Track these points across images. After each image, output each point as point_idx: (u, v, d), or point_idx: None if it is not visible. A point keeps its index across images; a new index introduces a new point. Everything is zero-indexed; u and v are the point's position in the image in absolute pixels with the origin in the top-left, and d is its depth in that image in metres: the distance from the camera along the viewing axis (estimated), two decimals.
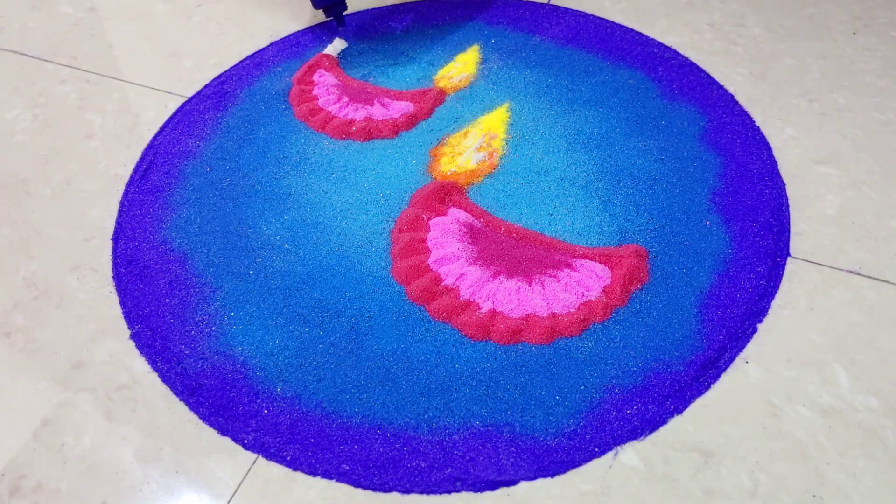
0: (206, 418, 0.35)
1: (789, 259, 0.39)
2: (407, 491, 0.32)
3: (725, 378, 0.35)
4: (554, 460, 0.32)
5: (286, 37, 0.60)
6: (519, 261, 0.40)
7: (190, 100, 0.55)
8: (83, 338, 0.40)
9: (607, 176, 0.45)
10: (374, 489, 0.32)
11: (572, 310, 0.38)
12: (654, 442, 0.33)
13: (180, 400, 0.36)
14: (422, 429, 0.34)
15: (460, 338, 0.37)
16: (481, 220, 0.43)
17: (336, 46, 0.57)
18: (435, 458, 0.33)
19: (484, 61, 0.55)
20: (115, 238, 0.45)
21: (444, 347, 0.37)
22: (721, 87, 0.50)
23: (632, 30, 0.54)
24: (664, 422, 0.33)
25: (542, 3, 0.60)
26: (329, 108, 0.52)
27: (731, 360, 0.35)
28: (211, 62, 0.58)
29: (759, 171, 0.44)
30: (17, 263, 0.44)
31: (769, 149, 0.46)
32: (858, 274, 0.38)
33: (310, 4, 0.63)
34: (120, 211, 0.47)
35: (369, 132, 0.49)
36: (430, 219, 0.43)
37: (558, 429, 0.33)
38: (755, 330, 0.36)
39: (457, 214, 0.43)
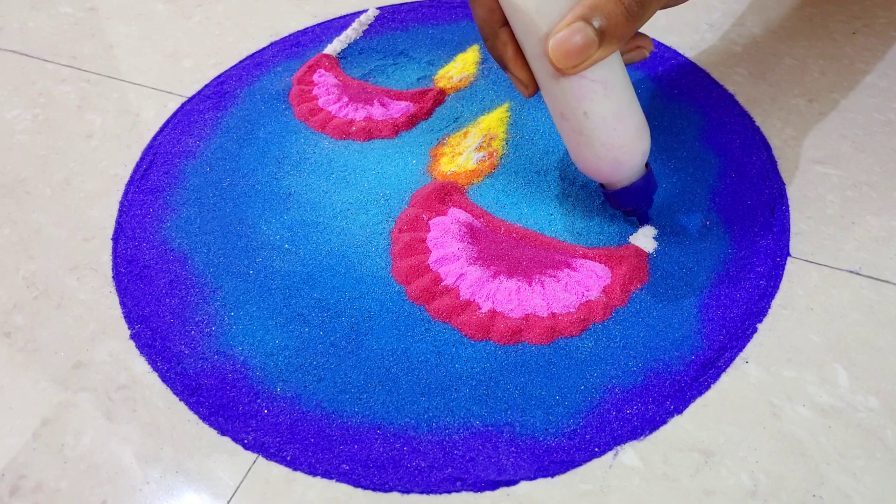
0: (206, 418, 0.35)
1: (789, 259, 0.39)
2: (407, 491, 0.32)
3: (725, 378, 0.35)
4: (554, 460, 0.32)
5: (286, 37, 0.60)
6: (519, 261, 0.40)
7: (190, 100, 0.55)
8: (83, 338, 0.40)
9: None
10: (374, 489, 0.32)
11: (572, 310, 0.38)
12: (654, 442, 0.33)
13: (180, 400, 0.36)
14: (422, 429, 0.34)
15: (460, 338, 0.37)
16: (481, 220, 0.43)
17: (335, 47, 0.57)
18: (435, 458, 0.33)
19: (484, 61, 0.55)
20: (115, 238, 0.45)
21: (444, 347, 0.37)
22: (721, 86, 0.50)
23: None
24: (664, 422, 0.33)
25: None
26: (329, 108, 0.52)
27: (731, 360, 0.35)
28: (211, 62, 0.58)
29: (759, 170, 0.44)
30: (17, 263, 0.44)
31: (769, 149, 0.46)
32: (858, 274, 0.38)
33: (310, 4, 0.63)
34: (120, 211, 0.47)
35: (369, 132, 0.49)
36: (430, 219, 0.43)
37: (558, 429, 0.33)
38: (755, 330, 0.36)
39: (457, 214, 0.43)
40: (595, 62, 0.30)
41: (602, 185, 0.39)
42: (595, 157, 0.34)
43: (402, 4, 0.62)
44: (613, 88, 0.32)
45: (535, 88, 0.33)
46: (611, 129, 0.32)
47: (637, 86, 0.51)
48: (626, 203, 0.39)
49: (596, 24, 0.30)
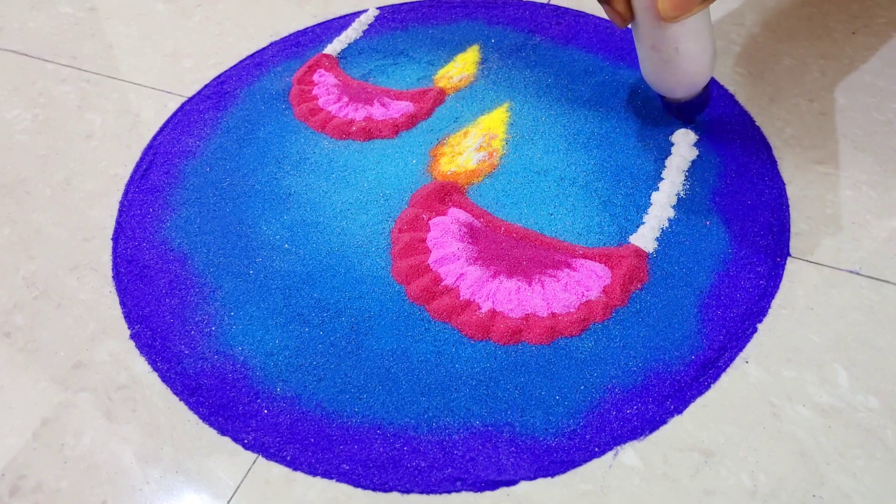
0: (206, 418, 0.35)
1: (789, 259, 0.39)
2: (407, 491, 0.32)
3: (725, 378, 0.35)
4: (554, 460, 0.32)
5: (286, 37, 0.60)
6: (519, 261, 0.40)
7: (190, 100, 0.55)
8: (83, 338, 0.40)
9: (607, 176, 0.45)
10: (374, 489, 0.32)
11: (572, 310, 0.38)
12: (654, 442, 0.33)
13: (180, 400, 0.36)
14: (422, 429, 0.34)
15: (460, 338, 0.37)
16: (481, 220, 0.43)
17: (336, 47, 0.57)
18: (435, 458, 0.33)
19: (484, 61, 0.55)
20: (115, 238, 0.45)
21: (444, 347, 0.37)
22: (721, 86, 0.50)
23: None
24: (664, 422, 0.33)
25: (542, 3, 0.60)
26: (329, 108, 0.52)
27: (731, 360, 0.35)
28: (211, 62, 0.58)
29: (759, 170, 0.44)
30: (17, 263, 0.44)
31: (769, 149, 0.46)
32: (858, 274, 0.38)
33: (310, 4, 0.63)
34: (120, 211, 0.47)
35: (369, 132, 0.49)
36: (430, 219, 0.43)
37: (558, 429, 0.33)
38: (755, 330, 0.36)
39: (457, 214, 0.43)
40: (695, 13, 0.35)
41: (663, 97, 0.44)
42: (675, 82, 0.40)
43: (402, 4, 0.62)
44: (702, 30, 0.37)
45: (630, 21, 0.38)
46: (695, 61, 0.38)
47: (636, 86, 0.51)
48: (684, 113, 0.46)
49: None
